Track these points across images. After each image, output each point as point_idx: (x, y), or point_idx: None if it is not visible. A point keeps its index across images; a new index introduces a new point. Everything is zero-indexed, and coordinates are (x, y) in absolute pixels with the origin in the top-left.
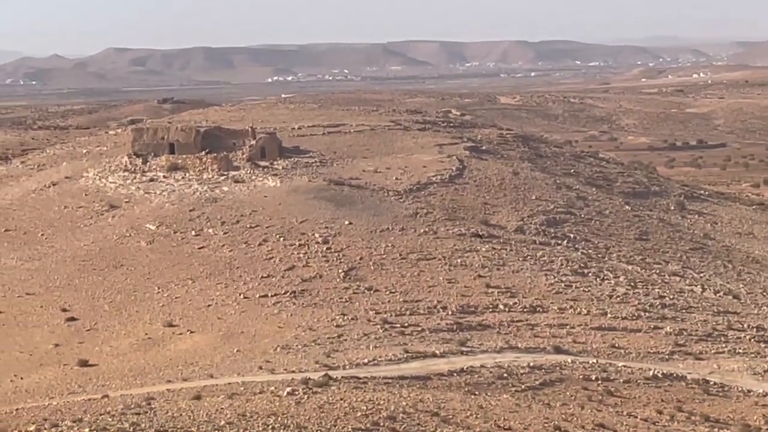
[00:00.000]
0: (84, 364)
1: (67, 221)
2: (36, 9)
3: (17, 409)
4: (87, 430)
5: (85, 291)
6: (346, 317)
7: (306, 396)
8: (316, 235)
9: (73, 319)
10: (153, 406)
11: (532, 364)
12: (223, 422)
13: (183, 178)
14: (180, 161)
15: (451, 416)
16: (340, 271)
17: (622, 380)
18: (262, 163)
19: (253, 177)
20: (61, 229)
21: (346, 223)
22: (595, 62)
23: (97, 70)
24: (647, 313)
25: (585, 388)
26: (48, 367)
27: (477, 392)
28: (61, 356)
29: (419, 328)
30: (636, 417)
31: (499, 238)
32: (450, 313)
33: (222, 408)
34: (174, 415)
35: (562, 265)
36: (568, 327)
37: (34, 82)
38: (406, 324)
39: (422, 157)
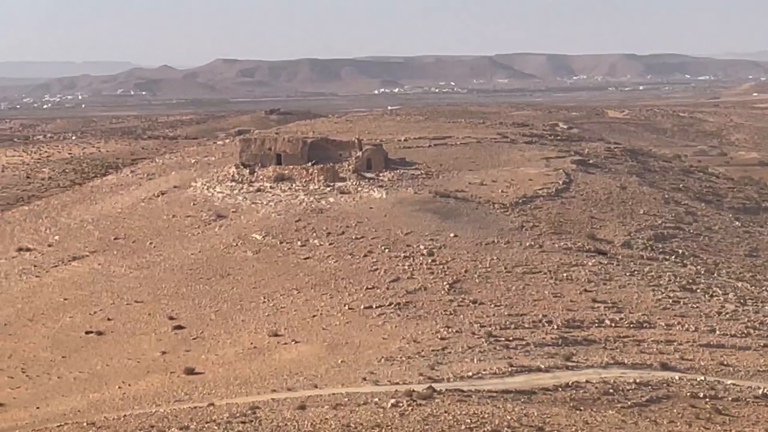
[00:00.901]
0: (190, 372)
1: (175, 230)
2: (147, 21)
3: (125, 416)
4: None
5: (192, 300)
6: (450, 330)
7: (410, 408)
8: (421, 247)
9: (180, 327)
10: (258, 415)
11: (638, 380)
12: None
13: (289, 188)
14: (287, 172)
15: (556, 431)
16: (444, 283)
17: (730, 398)
18: (368, 175)
19: (359, 188)
20: (169, 238)
21: (452, 235)
22: (705, 76)
23: (206, 81)
24: (757, 331)
25: (692, 405)
26: (155, 374)
27: (582, 408)
28: (168, 364)
29: (524, 342)
30: None
31: (605, 252)
32: (555, 327)
33: (326, 419)
34: (279, 425)
35: (669, 280)
36: (675, 343)
37: (144, 93)
38: (511, 337)
39: (528, 170)
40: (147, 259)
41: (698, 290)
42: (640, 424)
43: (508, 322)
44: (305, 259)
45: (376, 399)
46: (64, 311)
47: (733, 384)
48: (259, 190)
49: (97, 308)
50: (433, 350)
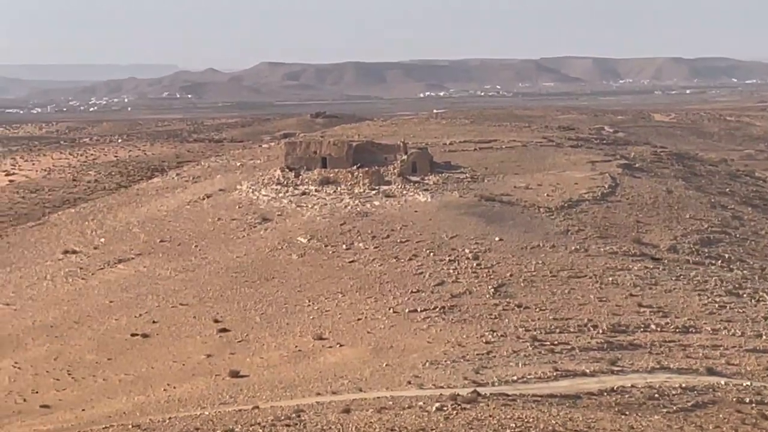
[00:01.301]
0: (235, 375)
1: (220, 233)
2: (192, 24)
3: (170, 418)
4: None
5: (237, 302)
6: (495, 334)
7: (455, 412)
8: (466, 251)
9: (225, 330)
10: (302, 418)
11: (684, 385)
12: None
13: (334, 191)
14: (332, 175)
15: None
16: (489, 287)
17: None
18: (414, 178)
19: (404, 192)
20: (214, 241)
21: (497, 239)
22: (753, 80)
23: (252, 84)
24: None
25: (738, 411)
26: (200, 377)
27: (627, 412)
28: (213, 367)
29: (569, 347)
30: None
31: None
32: (601, 331)
33: (371, 422)
34: (323, 428)
35: (716, 285)
36: (721, 348)
37: (189, 96)
38: (556, 342)
39: (574, 174)
40: (192, 262)
41: (745, 295)
42: (686, 429)
43: (553, 327)
44: (350, 262)
45: (421, 403)
46: (109, 314)
47: None
48: (304, 193)
49: (143, 311)
50: (477, 354)
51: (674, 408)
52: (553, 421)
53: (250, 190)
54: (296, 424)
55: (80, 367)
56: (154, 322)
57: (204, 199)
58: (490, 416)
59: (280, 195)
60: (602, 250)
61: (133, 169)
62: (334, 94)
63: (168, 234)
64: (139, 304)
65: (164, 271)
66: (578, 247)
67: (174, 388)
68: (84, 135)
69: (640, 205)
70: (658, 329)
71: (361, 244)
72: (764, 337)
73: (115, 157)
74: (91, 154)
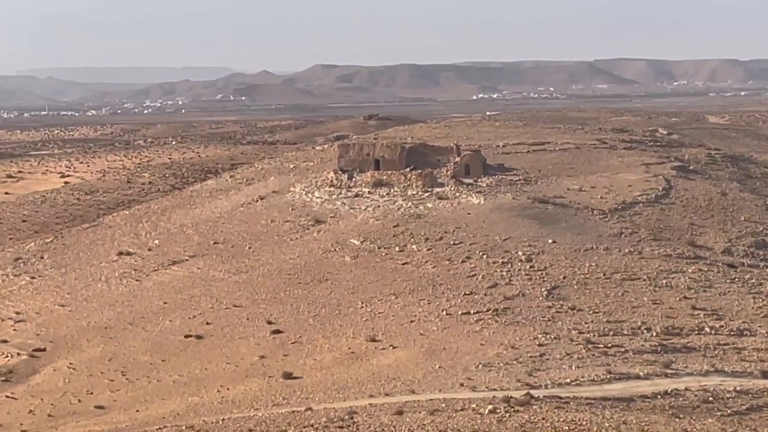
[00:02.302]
0: (288, 376)
1: (273, 235)
2: (246, 27)
3: (223, 419)
4: None
5: (290, 304)
6: (548, 336)
7: (507, 414)
8: (520, 253)
9: (278, 331)
10: (356, 420)
11: (738, 388)
12: None
13: (388, 194)
14: (385, 177)
15: None
16: (543, 289)
17: None
18: (467, 180)
19: (457, 194)
20: (267, 243)
21: (550, 241)
22: None
23: (305, 86)
24: None
25: None
26: (253, 378)
27: (681, 415)
28: (266, 368)
29: (623, 349)
30: None
31: (705, 259)
32: (654, 334)
33: (424, 424)
34: (376, 430)
35: None
36: None
37: (243, 98)
38: (610, 344)
39: (628, 176)
40: (246, 264)
41: None
42: None
43: (606, 329)
44: (403, 264)
45: (474, 405)
46: (163, 315)
47: None
48: (357, 195)
49: (196, 312)
50: (530, 356)
51: (728, 411)
52: (607, 424)
53: (304, 192)
54: (349, 425)
55: (134, 368)
56: (207, 323)
57: (257, 201)
58: (543, 419)
59: (333, 197)
60: (656, 252)
61: (187, 171)
62: (387, 96)
63: (221, 236)
64: (192, 306)
65: (218, 272)
66: (632, 249)
67: (227, 389)
68: (138, 137)
69: (694, 207)
70: (712, 332)
71: (414, 246)
72: None
73: (169, 159)
74: (146, 156)
